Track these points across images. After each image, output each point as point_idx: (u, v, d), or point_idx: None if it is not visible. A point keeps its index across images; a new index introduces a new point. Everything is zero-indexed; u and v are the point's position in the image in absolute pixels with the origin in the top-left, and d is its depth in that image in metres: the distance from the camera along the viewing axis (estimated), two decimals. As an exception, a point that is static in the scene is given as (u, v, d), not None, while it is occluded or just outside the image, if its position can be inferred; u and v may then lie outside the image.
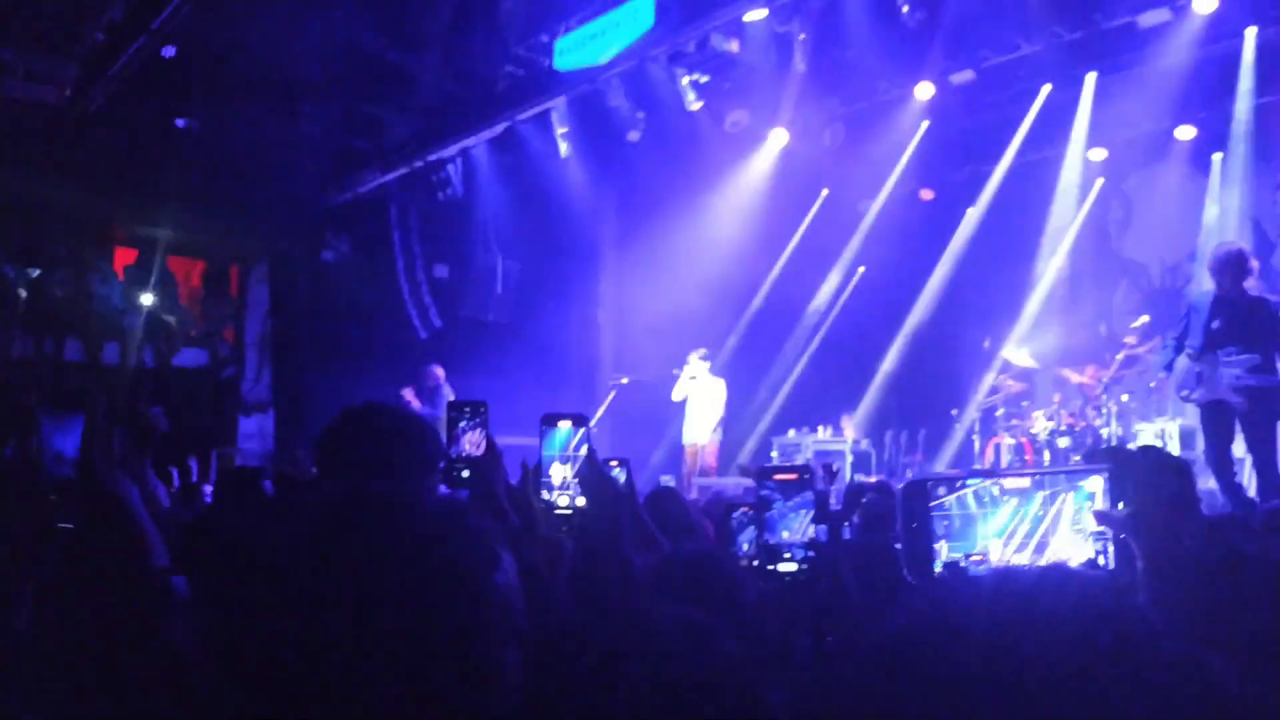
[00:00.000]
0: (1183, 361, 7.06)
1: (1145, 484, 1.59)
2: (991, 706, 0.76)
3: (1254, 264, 6.95)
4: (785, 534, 2.16)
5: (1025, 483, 1.65)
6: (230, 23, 9.55)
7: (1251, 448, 6.78)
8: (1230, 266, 6.87)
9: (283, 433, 12.55)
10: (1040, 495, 1.64)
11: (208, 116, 11.03)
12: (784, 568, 2.13)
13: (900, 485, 1.78)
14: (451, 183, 11.89)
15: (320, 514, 1.07)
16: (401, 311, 12.67)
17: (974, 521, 1.64)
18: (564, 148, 11.06)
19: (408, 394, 10.71)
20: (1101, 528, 1.60)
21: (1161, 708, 0.76)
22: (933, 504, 1.66)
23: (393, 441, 2.30)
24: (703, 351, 10.97)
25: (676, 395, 10.96)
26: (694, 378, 10.83)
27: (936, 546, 1.64)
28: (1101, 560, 1.61)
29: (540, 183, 11.95)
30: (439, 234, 12.91)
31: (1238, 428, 6.90)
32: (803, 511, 2.16)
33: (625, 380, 11.21)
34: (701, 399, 10.87)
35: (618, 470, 2.70)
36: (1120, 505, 1.58)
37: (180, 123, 10.90)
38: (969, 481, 1.68)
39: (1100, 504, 1.61)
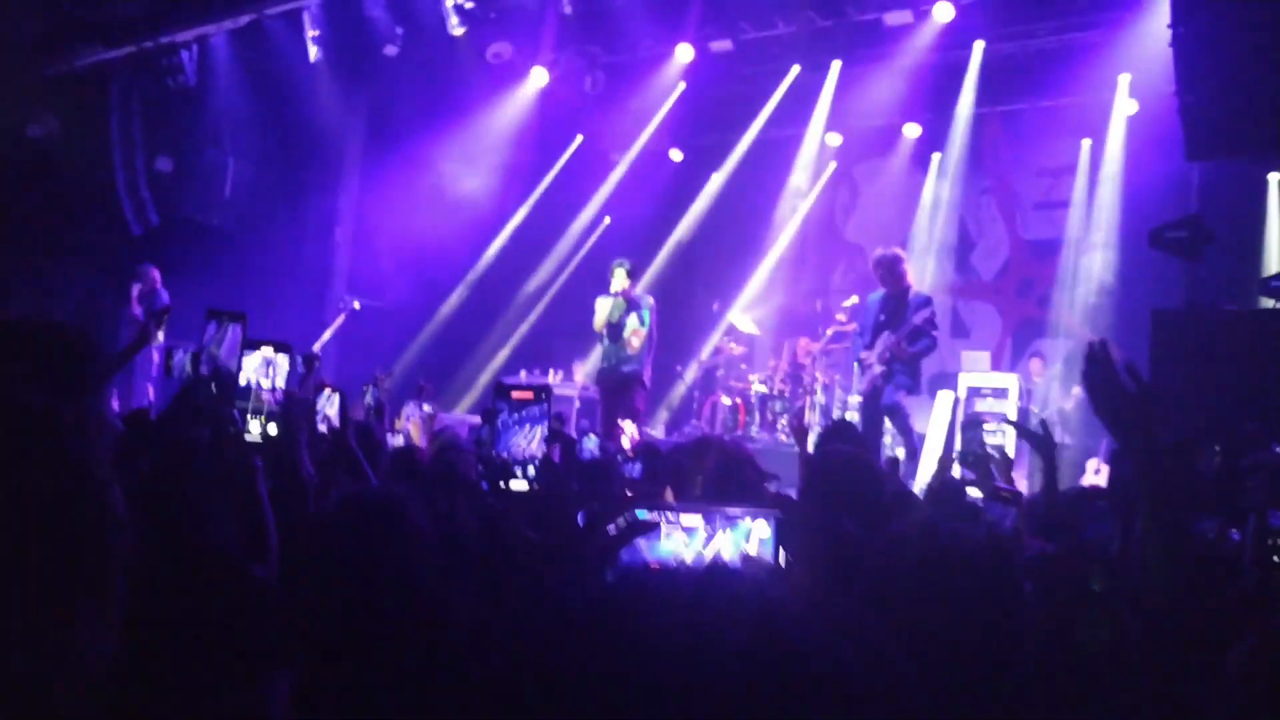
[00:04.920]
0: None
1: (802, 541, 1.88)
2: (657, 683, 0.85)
3: (906, 269, 7.90)
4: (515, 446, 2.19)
5: (697, 519, 1.90)
6: None
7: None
8: (882, 266, 7.86)
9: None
10: (704, 530, 1.90)
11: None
12: (515, 486, 2.17)
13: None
14: (184, 70, 10.99)
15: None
16: (114, 203, 11.61)
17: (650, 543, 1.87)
18: (313, 51, 10.48)
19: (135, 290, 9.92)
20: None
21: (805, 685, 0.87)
22: None
23: (54, 359, 2.16)
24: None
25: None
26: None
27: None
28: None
29: (284, 85, 11.25)
30: (165, 123, 11.86)
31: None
32: (530, 427, 2.20)
33: (357, 304, 10.84)
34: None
35: (331, 395, 2.64)
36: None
37: None
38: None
39: (760, 548, 1.87)
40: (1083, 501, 4.06)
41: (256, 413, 2.41)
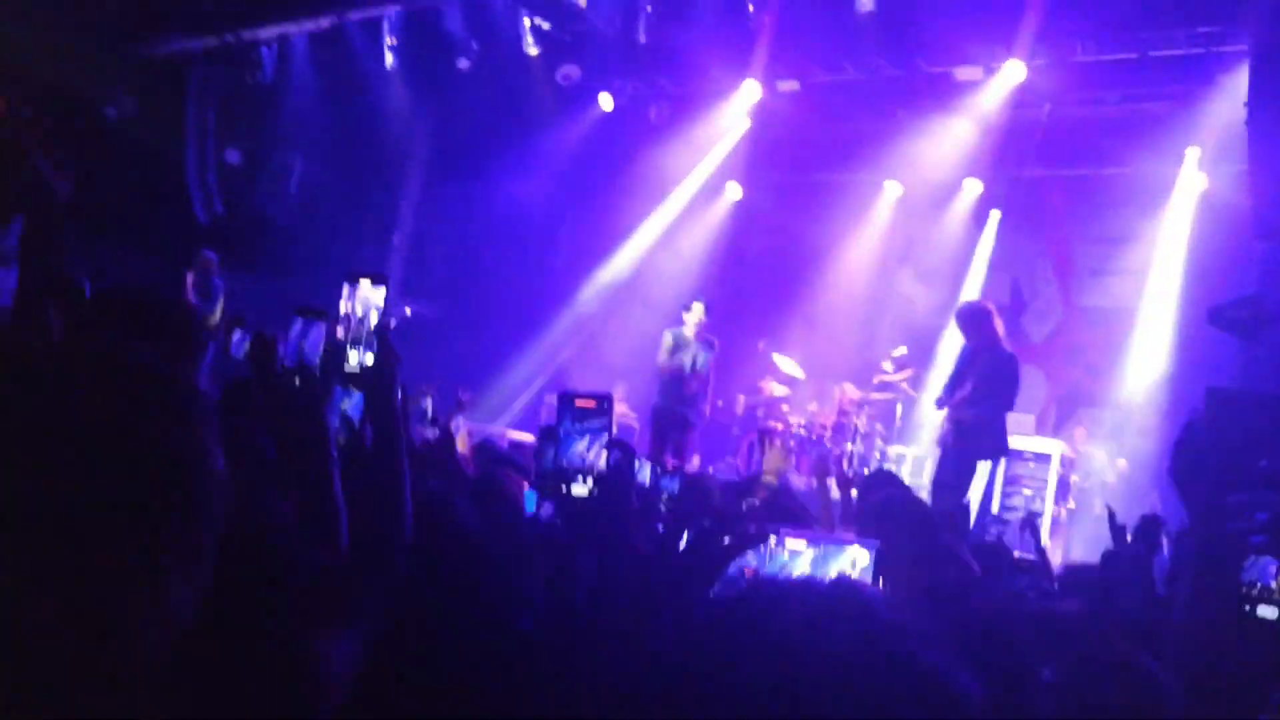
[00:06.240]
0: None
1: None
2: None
3: (998, 322, 7.28)
4: (577, 457, 2.23)
5: (802, 543, 2.01)
6: None
7: None
8: (962, 319, 7.40)
9: (26, 290, 11.48)
10: (813, 553, 1.99)
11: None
12: (576, 490, 2.21)
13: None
14: (263, 66, 11.24)
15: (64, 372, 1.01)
16: (182, 190, 11.84)
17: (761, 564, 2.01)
18: (389, 59, 10.69)
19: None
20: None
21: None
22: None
23: (151, 325, 2.19)
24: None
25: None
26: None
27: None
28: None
29: (357, 89, 11.46)
30: (238, 117, 12.09)
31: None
32: (591, 437, 2.23)
33: (409, 311, 10.97)
34: None
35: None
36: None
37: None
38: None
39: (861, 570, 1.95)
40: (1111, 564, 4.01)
41: (355, 343, 2.38)
